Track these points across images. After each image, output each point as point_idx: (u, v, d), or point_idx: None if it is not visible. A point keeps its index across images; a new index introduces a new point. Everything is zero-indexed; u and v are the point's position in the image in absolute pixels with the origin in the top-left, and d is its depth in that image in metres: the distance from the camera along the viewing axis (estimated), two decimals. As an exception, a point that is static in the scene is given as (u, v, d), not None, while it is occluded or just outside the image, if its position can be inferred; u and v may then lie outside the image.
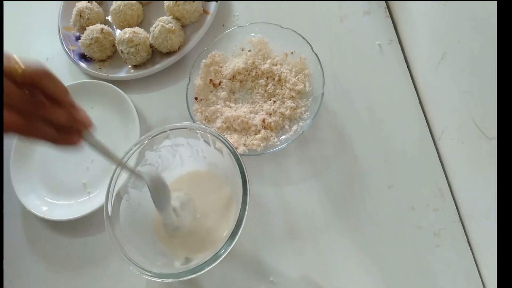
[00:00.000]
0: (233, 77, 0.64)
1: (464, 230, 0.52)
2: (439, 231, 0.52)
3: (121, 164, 0.46)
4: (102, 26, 0.72)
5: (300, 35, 0.61)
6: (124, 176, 0.50)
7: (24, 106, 0.35)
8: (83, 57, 0.74)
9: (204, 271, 0.42)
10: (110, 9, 0.74)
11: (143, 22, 0.77)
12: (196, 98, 0.64)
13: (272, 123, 0.59)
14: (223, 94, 0.64)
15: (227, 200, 0.54)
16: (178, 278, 0.43)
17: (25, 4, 0.87)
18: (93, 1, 0.77)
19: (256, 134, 0.59)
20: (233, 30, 0.66)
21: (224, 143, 0.48)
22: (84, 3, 0.75)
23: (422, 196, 0.54)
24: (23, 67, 0.34)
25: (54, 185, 0.66)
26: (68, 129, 0.38)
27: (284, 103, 0.60)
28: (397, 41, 0.64)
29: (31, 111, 0.35)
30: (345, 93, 0.62)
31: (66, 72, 0.76)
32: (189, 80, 0.64)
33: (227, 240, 0.43)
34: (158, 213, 0.50)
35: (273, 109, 0.60)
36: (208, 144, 0.52)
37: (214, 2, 0.71)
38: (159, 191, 0.47)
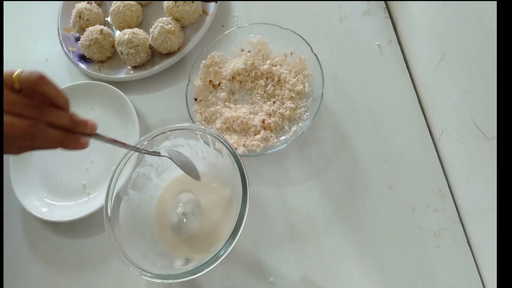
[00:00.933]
0: (233, 78, 0.64)
1: (464, 231, 0.52)
2: (439, 232, 0.52)
3: (137, 150, 0.47)
4: (102, 27, 0.72)
5: (299, 35, 0.61)
6: (124, 177, 0.50)
7: (26, 111, 0.35)
8: (83, 58, 0.74)
9: (204, 271, 0.42)
10: (110, 10, 0.74)
11: (142, 23, 0.76)
12: (195, 99, 0.64)
13: (272, 124, 0.59)
14: (222, 95, 0.64)
15: (227, 201, 0.54)
16: (178, 279, 0.43)
17: (25, 6, 0.87)
18: (93, 2, 0.77)
19: (255, 134, 0.59)
20: (233, 30, 0.66)
21: (223, 144, 0.48)
22: (84, 4, 0.75)
23: (422, 197, 0.54)
24: (17, 72, 0.35)
25: (53, 186, 0.66)
26: (74, 132, 0.38)
27: (283, 103, 0.60)
28: (397, 42, 0.64)
29: (35, 116, 0.35)
30: (344, 93, 0.62)
31: (65, 73, 0.76)
32: (189, 81, 0.64)
33: (227, 241, 0.43)
34: (195, 179, 0.52)
35: (272, 110, 0.60)
36: (208, 145, 0.52)
37: (213, 3, 0.71)
38: (185, 163, 0.51)
